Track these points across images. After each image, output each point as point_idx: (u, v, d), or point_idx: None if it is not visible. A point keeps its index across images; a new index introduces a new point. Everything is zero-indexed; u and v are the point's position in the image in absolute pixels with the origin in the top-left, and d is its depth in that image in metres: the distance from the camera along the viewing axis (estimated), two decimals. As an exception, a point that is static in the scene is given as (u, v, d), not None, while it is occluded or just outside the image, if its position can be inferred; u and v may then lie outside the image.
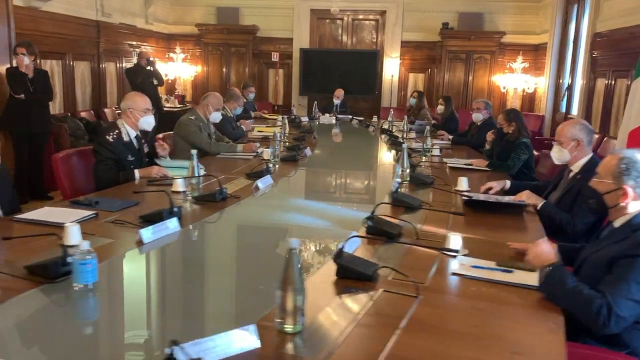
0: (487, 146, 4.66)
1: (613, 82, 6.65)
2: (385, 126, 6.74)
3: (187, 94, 10.50)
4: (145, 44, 9.35)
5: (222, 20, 10.33)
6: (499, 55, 9.92)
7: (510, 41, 9.83)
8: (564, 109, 8.85)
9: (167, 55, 10.36)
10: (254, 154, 4.54)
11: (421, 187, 3.51)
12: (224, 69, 10.50)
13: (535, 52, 9.83)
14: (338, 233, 2.57)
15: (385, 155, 5.10)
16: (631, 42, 6.16)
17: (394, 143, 5.48)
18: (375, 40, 10.51)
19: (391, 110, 7.77)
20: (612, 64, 6.71)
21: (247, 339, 1.37)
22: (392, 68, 10.20)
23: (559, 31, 8.93)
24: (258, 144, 4.75)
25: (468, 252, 2.17)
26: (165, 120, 8.46)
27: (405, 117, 6.62)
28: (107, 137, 3.45)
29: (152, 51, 9.44)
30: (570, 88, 8.43)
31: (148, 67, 7.87)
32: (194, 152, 3.09)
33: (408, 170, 3.57)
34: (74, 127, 6.55)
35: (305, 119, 7.65)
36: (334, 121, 7.92)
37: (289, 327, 1.47)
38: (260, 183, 3.32)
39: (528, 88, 9.73)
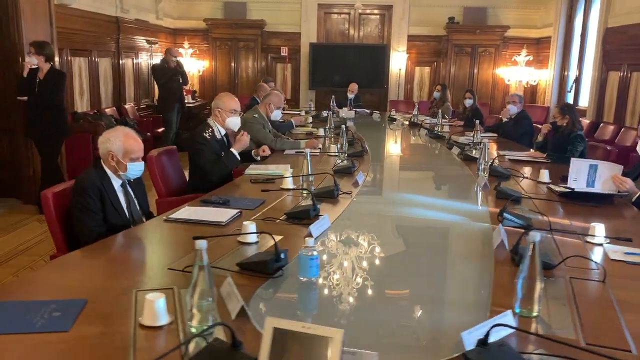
0: (540, 138, 4.90)
1: (629, 75, 6.99)
2: (414, 120, 6.92)
3: (196, 90, 10.49)
4: (154, 38, 9.30)
5: (229, 15, 10.33)
6: (503, 48, 10.23)
7: (514, 35, 10.14)
8: (569, 100, 9.22)
9: (175, 50, 10.31)
10: (318, 150, 4.67)
11: (502, 179, 3.70)
12: (233, 64, 10.52)
13: (537, 46, 10.16)
14: (480, 227, 2.69)
15: (438, 150, 5.28)
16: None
17: (436, 137, 5.71)
18: (382, 34, 10.68)
19: (416, 104, 7.94)
20: (627, 57, 7.04)
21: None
22: (399, 61, 10.40)
23: (563, 25, 9.26)
24: (318, 141, 4.89)
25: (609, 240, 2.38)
26: (183, 116, 8.51)
27: (440, 111, 6.83)
28: (205, 134, 3.57)
29: (151, 47, 9.40)
30: (577, 80, 8.78)
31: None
32: (307, 150, 3.21)
33: (489, 164, 3.77)
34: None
35: (325, 113, 7.78)
36: (353, 115, 8.07)
37: (534, 313, 1.65)
38: (359, 178, 3.47)
39: (534, 81, 10.06)
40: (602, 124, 7.44)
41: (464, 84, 10.31)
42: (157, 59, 9.31)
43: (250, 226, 2.27)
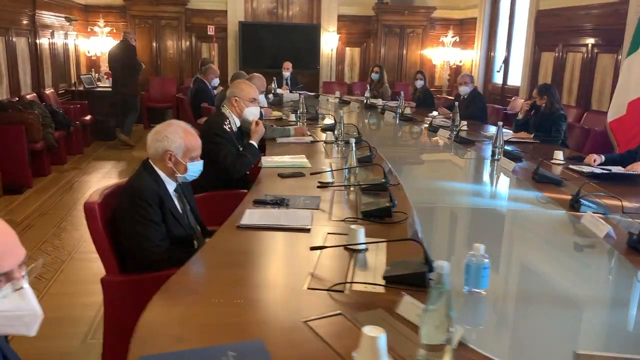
0: (520, 116, 4.99)
1: (564, 56, 7.40)
2: (367, 102, 6.81)
3: (115, 72, 9.58)
4: (72, 16, 8.34)
5: (148, -10, 9.52)
6: (430, 29, 10.43)
7: (440, 16, 10.37)
8: (495, 80, 9.63)
9: (88, 29, 9.33)
10: (310, 138, 4.41)
11: (516, 161, 3.70)
12: (154, 44, 9.75)
13: (460, 27, 10.47)
14: (559, 215, 2.62)
15: (420, 134, 5.21)
16: (578, 20, 6.93)
17: (407, 120, 5.65)
18: (311, 14, 10.42)
19: (401, 93, 7.83)
20: (562, 39, 7.43)
21: None
22: (330, 42, 10.23)
23: (489, 7, 9.61)
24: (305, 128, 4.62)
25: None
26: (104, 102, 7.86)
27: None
28: (224, 127, 3.20)
29: (70, 25, 8.45)
30: (506, 61, 9.17)
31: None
32: (352, 140, 2.96)
33: (502, 148, 3.75)
34: (43, 115, 5.74)
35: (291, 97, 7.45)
36: (297, 97, 7.79)
37: None
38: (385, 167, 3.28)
39: (460, 61, 10.38)
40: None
41: (393, 65, 10.41)
42: (72, 39, 8.40)
43: (360, 231, 2.01)
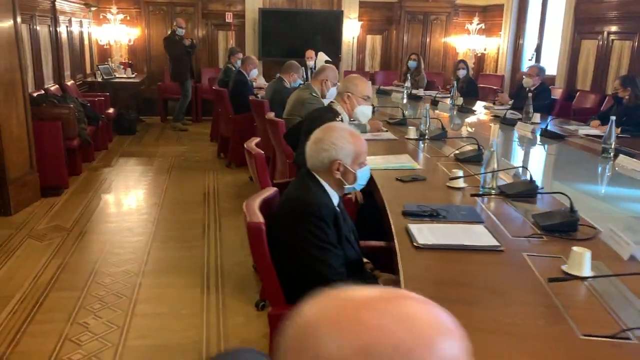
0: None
1: (610, 44, 7.12)
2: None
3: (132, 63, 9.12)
4: (91, 2, 7.85)
5: (163, -25, 9.04)
6: (454, 16, 10.10)
7: (464, 2, 10.05)
8: (524, 68, 9.35)
9: (100, 17, 8.82)
10: (388, 134, 4.07)
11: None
12: (169, 32, 9.26)
13: (484, 14, 10.15)
14: None
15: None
16: (627, 6, 6.66)
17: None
18: (331, 1, 10.01)
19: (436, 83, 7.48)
20: (607, 26, 7.15)
21: None
22: (351, 29, 9.85)
23: (518, -6, 9.31)
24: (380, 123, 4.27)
25: None
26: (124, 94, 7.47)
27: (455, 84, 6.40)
28: (337, 121, 2.86)
29: (89, 11, 7.98)
30: (539, 49, 8.88)
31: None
32: (493, 141, 2.62)
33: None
34: (78, 109, 5.31)
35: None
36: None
37: None
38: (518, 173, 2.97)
39: (485, 49, 10.07)
40: (579, 92, 7.56)
41: (416, 53, 10.05)
42: (86, 27, 7.92)
43: (586, 255, 1.68)
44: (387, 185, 2.69)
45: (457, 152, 3.32)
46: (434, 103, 5.95)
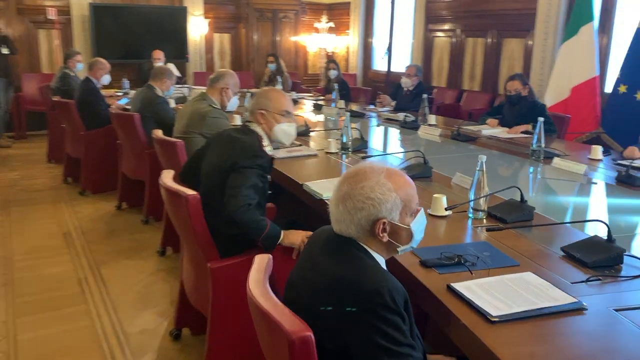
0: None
1: (463, 40, 7.40)
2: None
3: None
4: None
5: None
6: (302, 14, 9.82)
7: (310, 0, 9.83)
8: (376, 67, 9.45)
9: None
10: (309, 149, 3.54)
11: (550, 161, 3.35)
12: (-28, 31, 7.54)
13: (331, 12, 10.05)
14: None
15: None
16: (479, 5, 6.97)
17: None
18: (172, -5, 9.06)
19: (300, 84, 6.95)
20: (460, 24, 7.42)
21: None
22: (197, 27, 9.02)
23: (364, -9, 9.34)
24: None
25: None
26: None
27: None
28: (263, 148, 2.27)
29: None
30: (390, 47, 8.99)
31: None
32: (482, 158, 2.23)
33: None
34: None
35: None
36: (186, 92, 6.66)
37: None
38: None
39: (335, 48, 9.97)
40: (435, 89, 7.74)
41: (268, 52, 9.59)
42: None
43: None
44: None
45: (402, 167, 2.92)
46: (317, 107, 5.54)
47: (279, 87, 6.66)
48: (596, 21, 5.20)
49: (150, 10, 8.68)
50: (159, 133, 3.36)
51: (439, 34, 7.82)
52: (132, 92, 6.24)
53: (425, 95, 4.68)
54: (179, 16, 8.79)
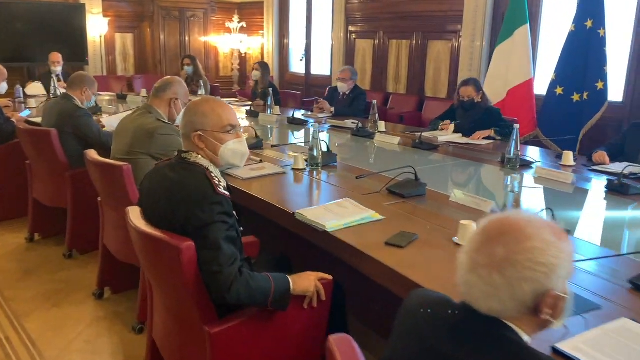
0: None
1: (386, 43, 7.28)
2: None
3: None
4: None
5: None
6: (212, 13, 9.25)
7: (220, -2, 9.31)
8: (294, 69, 9.11)
9: None
10: (259, 164, 3.13)
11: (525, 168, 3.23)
12: None
13: (242, 11, 9.58)
14: None
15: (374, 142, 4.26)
16: (400, 6, 6.89)
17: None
18: (65, -9, 8.11)
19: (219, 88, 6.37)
20: (382, 26, 7.29)
21: None
22: (97, 27, 8.15)
23: (279, -10, 8.98)
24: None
25: None
26: None
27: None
28: (218, 188, 1.77)
29: None
30: (308, 48, 8.70)
31: None
32: (512, 182, 1.96)
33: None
34: None
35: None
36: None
37: None
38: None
39: (249, 49, 9.50)
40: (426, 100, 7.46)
41: (176, 53, 8.93)
42: None
43: None
44: (387, 258, 1.84)
45: (390, 185, 2.61)
46: (253, 115, 5.09)
47: (201, 92, 6.12)
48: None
49: (41, 7, 7.70)
50: (93, 154, 2.78)
51: (361, 35, 7.65)
52: (34, 101, 5.43)
53: (374, 101, 4.41)
54: (76, 14, 7.90)
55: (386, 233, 2.02)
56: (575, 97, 4.87)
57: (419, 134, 3.92)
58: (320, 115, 5.16)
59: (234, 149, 1.95)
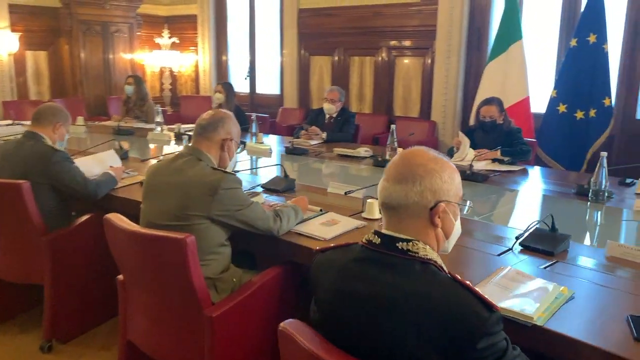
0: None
1: (346, 59, 6.81)
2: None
3: None
4: None
5: None
6: (138, 28, 8.26)
7: (147, 12, 8.33)
8: (236, 88, 8.33)
9: None
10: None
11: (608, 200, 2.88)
12: None
13: (173, 25, 8.67)
14: None
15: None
16: (363, 21, 6.48)
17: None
18: (-38, 1, 6.77)
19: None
20: (341, 42, 6.81)
21: None
22: (5, 43, 6.90)
23: (213, 3, 8.21)
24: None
25: None
26: None
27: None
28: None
29: None
30: (252, 66, 8.01)
31: None
32: None
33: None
34: None
35: None
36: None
37: None
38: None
39: (181, 67, 8.60)
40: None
41: (99, 73, 7.85)
42: None
43: None
44: None
45: (524, 240, 2.09)
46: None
47: (144, 120, 5.26)
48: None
49: None
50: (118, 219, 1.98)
51: (317, 52, 7.12)
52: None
53: (393, 126, 3.87)
54: (-21, 28, 6.61)
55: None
56: (579, 115, 4.68)
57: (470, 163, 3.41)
58: (313, 143, 4.54)
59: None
